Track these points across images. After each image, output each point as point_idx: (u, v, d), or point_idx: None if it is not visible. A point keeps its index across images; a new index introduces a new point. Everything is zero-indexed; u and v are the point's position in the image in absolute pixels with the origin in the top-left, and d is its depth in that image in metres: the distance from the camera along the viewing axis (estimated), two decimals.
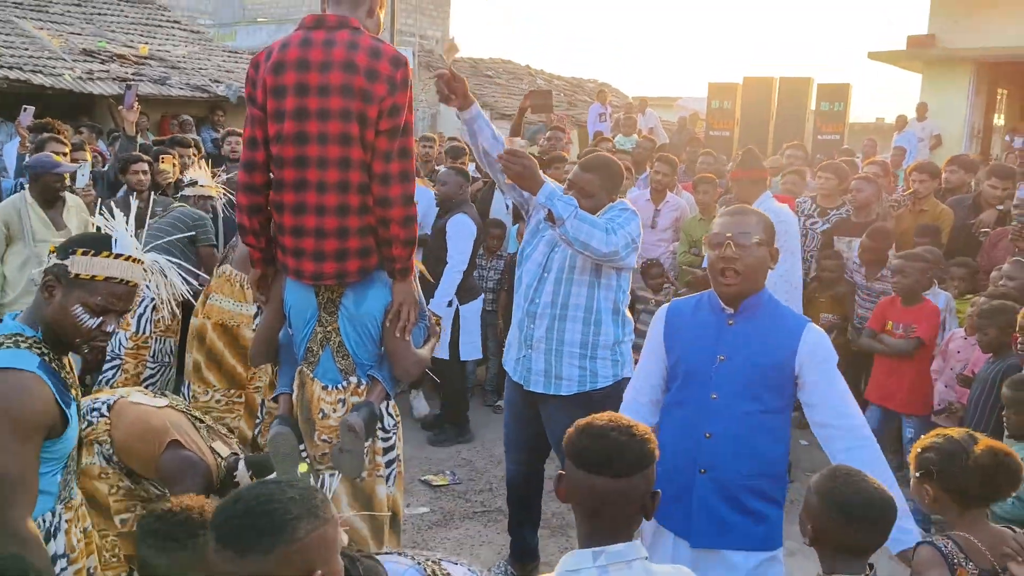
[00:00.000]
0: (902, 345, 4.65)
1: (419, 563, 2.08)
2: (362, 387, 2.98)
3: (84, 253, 2.02)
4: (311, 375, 2.96)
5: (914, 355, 4.64)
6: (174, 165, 6.35)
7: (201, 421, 3.18)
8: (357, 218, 2.81)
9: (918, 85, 15.29)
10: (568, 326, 3.42)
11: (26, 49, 11.45)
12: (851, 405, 2.61)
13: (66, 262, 2.00)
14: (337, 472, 2.97)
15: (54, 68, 10.99)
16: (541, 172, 3.22)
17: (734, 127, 13.70)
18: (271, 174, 2.85)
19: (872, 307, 5.31)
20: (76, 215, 5.02)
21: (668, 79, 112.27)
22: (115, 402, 2.94)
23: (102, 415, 2.88)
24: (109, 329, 2.05)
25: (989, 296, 4.43)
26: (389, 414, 3.08)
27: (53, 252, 2.06)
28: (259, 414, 4.49)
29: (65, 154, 5.86)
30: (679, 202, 6.51)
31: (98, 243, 2.07)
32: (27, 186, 5.07)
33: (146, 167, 5.59)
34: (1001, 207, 5.72)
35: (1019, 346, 3.70)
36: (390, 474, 3.08)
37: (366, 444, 2.91)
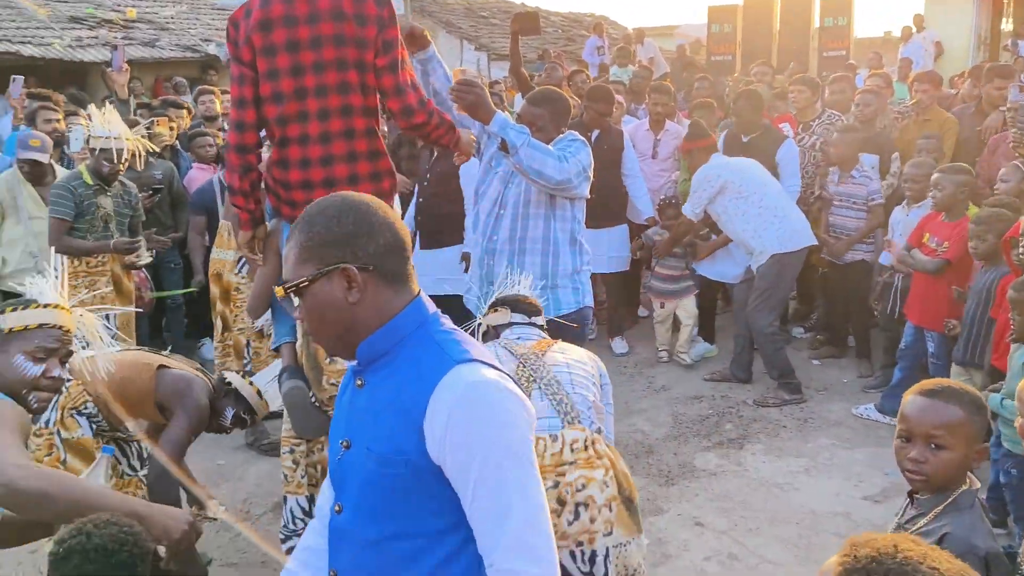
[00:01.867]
0: (928, 264, 4.53)
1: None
2: None
3: (13, 310, 2.17)
4: None
5: (943, 272, 4.50)
6: (170, 128, 6.32)
7: (168, 355, 3.21)
8: (368, 163, 2.89)
9: None
10: (527, 259, 3.46)
11: (13, 21, 11.32)
12: (533, 530, 1.44)
13: None
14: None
15: (43, 38, 10.89)
16: (491, 102, 3.24)
17: (736, 50, 13.39)
18: (272, 132, 2.87)
19: (845, 213, 5.44)
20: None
21: (667, 8, 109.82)
22: (69, 365, 2.93)
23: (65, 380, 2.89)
24: (55, 374, 2.15)
25: (988, 204, 4.36)
26: None
27: None
28: (246, 354, 4.57)
29: (58, 120, 5.87)
30: (679, 130, 6.41)
31: (25, 301, 2.23)
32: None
33: (143, 131, 5.54)
34: (1003, 107, 5.61)
35: (1019, 253, 3.64)
36: None
37: None
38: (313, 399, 3.01)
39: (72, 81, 10.40)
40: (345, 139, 2.83)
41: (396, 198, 3.13)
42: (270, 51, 2.74)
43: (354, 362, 1.58)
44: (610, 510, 2.43)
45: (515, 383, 1.51)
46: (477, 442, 1.41)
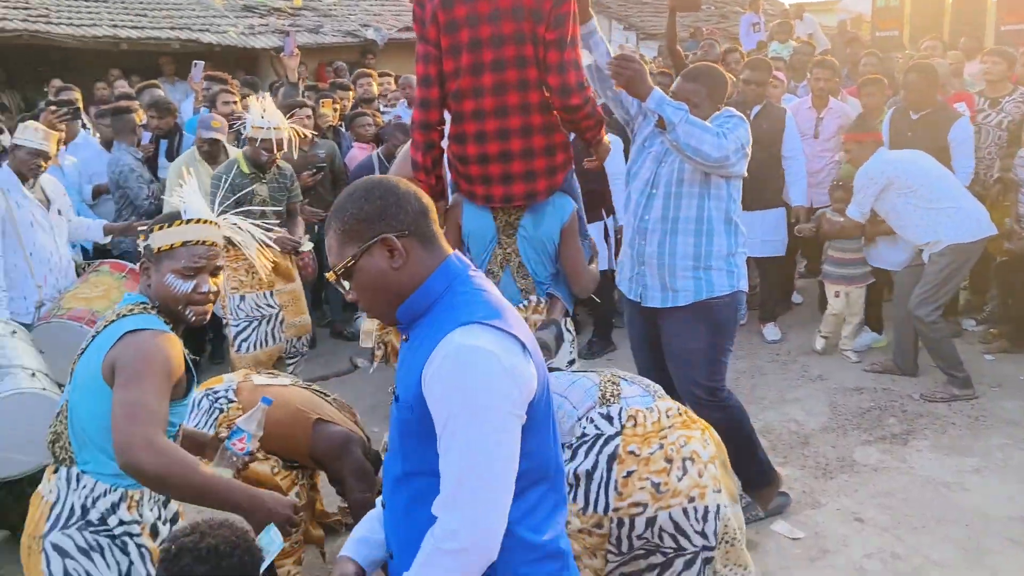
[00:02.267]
0: None
1: (599, 380, 2.55)
2: (541, 305, 3.08)
3: (159, 228, 2.18)
4: None
5: None
6: (334, 109, 6.62)
7: (327, 395, 3.30)
8: (543, 137, 2.90)
9: None
10: (679, 240, 3.37)
11: (193, 10, 12.16)
12: (466, 489, 1.53)
13: (149, 242, 2.17)
14: None
15: (219, 26, 11.63)
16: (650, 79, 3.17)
17: (903, 26, 12.58)
18: (449, 108, 2.93)
19: None
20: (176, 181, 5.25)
21: None
22: (238, 386, 3.02)
23: (230, 400, 2.97)
24: (205, 289, 2.18)
25: None
26: (568, 329, 3.19)
27: (143, 240, 2.22)
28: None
29: (236, 103, 6.27)
30: (843, 108, 6.11)
31: (170, 217, 2.22)
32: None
33: (309, 112, 5.85)
34: None
35: None
36: None
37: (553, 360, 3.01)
38: None
39: (244, 66, 11.07)
40: (521, 114, 2.85)
41: (571, 172, 3.13)
42: (452, 26, 2.79)
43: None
44: (715, 467, 2.47)
45: (521, 347, 1.58)
46: (449, 400, 1.53)
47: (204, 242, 2.19)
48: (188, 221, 2.19)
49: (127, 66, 10.32)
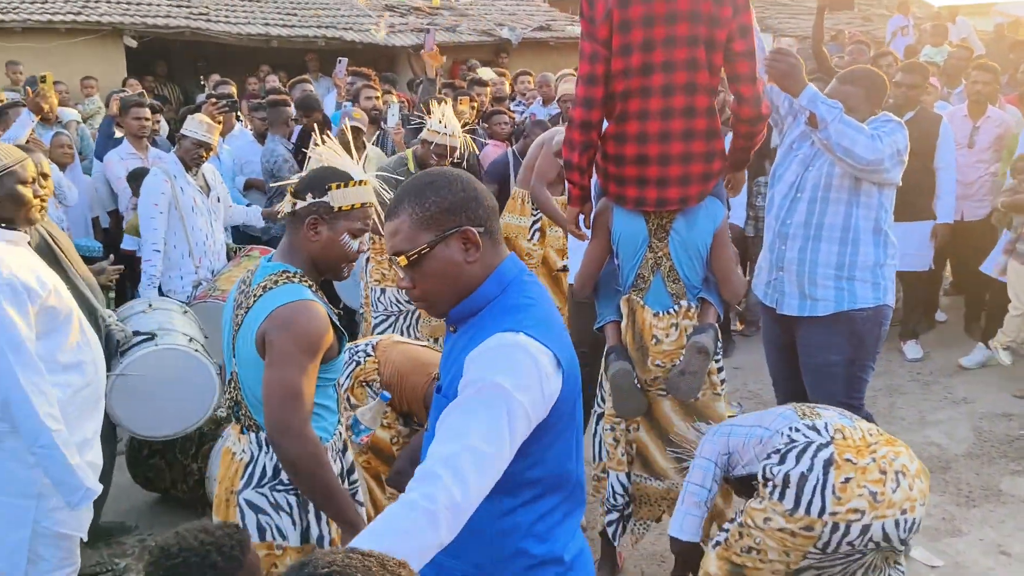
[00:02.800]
0: None
1: (792, 405, 2.66)
2: (692, 310, 3.04)
3: (338, 186, 2.15)
4: (641, 302, 3.05)
5: None
6: (472, 107, 6.75)
7: None
8: (703, 143, 2.86)
9: None
10: (822, 247, 3.25)
11: (338, 9, 12.67)
12: (455, 441, 1.53)
13: (325, 199, 2.14)
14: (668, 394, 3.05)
15: (362, 25, 12.07)
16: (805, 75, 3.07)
17: None
18: (612, 107, 2.89)
19: None
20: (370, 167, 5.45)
21: None
22: (378, 342, 3.09)
23: (368, 354, 3.04)
24: (364, 249, 2.25)
25: None
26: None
27: (291, 193, 2.21)
28: None
29: (377, 98, 6.50)
30: (1002, 117, 5.75)
31: (341, 175, 2.19)
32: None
33: (447, 107, 5.98)
34: None
35: None
36: (723, 392, 3.14)
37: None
38: (635, 380, 3.04)
39: (383, 64, 11.44)
40: (685, 117, 2.81)
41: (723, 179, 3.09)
42: (625, 26, 2.77)
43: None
44: (922, 481, 2.47)
45: (557, 363, 1.59)
46: (478, 372, 1.55)
47: (370, 203, 2.23)
48: (360, 182, 2.20)
49: (276, 62, 10.87)
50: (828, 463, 2.39)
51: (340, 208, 2.16)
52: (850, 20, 17.15)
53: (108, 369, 3.14)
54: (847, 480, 2.37)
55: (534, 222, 5.14)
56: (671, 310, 3.03)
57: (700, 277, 3.05)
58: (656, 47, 2.76)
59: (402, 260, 1.64)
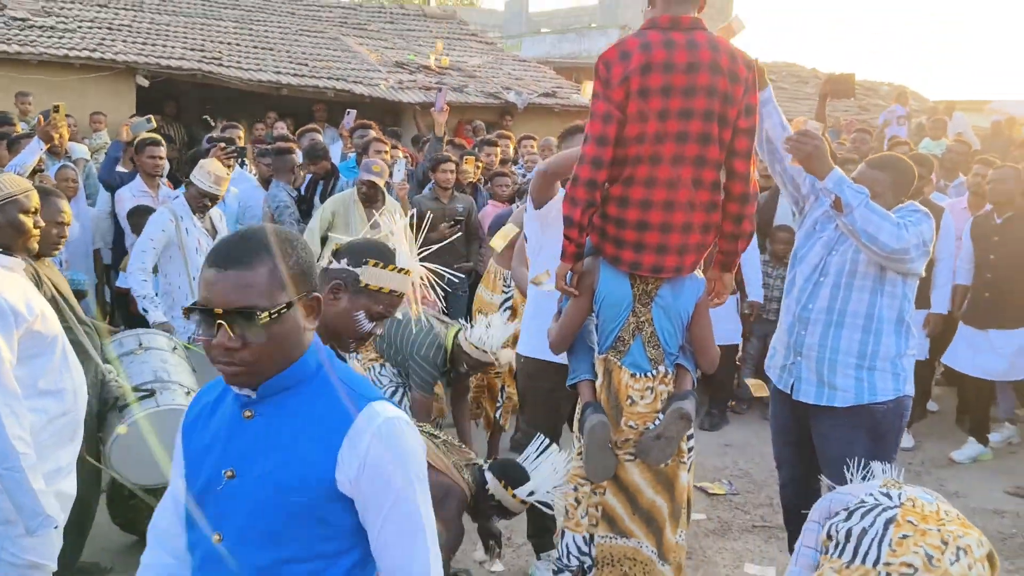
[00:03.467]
0: None
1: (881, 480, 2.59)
2: (668, 376, 3.04)
3: (375, 264, 2.11)
4: (618, 363, 3.04)
5: None
6: (476, 167, 6.83)
7: (437, 436, 3.30)
8: (704, 214, 2.89)
9: None
10: (844, 333, 3.21)
11: (349, 63, 12.89)
12: (422, 541, 1.60)
13: (358, 271, 2.11)
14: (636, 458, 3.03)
15: (371, 79, 12.26)
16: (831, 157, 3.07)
17: None
18: (618, 171, 2.88)
19: None
20: (390, 217, 5.50)
21: (976, 82, 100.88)
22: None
23: None
24: (378, 332, 2.19)
25: None
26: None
27: (337, 251, 2.19)
28: (499, 398, 4.82)
29: (386, 152, 6.56)
30: None
31: (385, 255, 2.15)
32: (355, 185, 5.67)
33: (453, 167, 6.06)
34: None
35: None
36: (690, 463, 3.11)
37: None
38: (611, 438, 3.02)
39: (389, 120, 11.59)
40: (691, 188, 2.83)
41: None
42: (644, 94, 2.77)
43: (246, 393, 1.59)
44: (984, 567, 2.38)
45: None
46: (394, 473, 1.54)
47: (403, 294, 2.19)
48: (401, 269, 2.16)
49: (284, 109, 11.00)
50: (889, 520, 2.36)
51: (367, 285, 2.12)
52: (847, 108, 17.53)
53: (104, 423, 3.16)
54: (904, 537, 2.34)
55: (505, 299, 5.15)
56: (649, 373, 3.01)
57: (679, 344, 3.06)
58: (671, 117, 2.77)
59: (263, 317, 1.49)
